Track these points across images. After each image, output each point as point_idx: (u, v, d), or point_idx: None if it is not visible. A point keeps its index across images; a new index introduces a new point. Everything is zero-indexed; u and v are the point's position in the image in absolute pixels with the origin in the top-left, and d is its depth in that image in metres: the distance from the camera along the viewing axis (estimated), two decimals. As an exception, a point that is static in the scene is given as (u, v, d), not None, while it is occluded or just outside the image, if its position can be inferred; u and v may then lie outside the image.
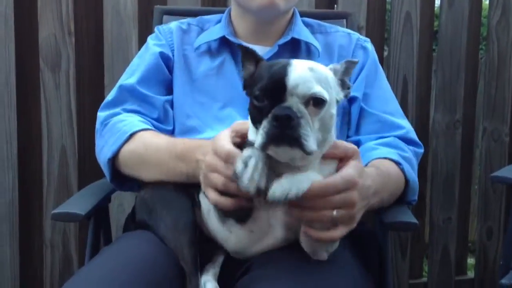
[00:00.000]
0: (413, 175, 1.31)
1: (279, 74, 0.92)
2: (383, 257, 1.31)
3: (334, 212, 0.96)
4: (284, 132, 0.89)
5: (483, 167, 2.38)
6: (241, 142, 1.03)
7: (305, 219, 0.97)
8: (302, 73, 0.92)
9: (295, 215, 0.98)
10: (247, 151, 0.94)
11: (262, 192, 0.92)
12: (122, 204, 1.99)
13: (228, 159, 0.97)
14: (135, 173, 1.28)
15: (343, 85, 1.02)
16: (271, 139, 0.90)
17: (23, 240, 2.00)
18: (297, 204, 0.94)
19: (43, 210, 2.00)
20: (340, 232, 0.98)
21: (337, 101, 0.99)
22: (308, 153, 0.90)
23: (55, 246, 2.02)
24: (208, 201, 1.07)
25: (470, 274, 2.46)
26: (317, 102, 0.92)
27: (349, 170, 0.99)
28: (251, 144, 0.95)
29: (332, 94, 0.97)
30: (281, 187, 0.91)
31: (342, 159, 1.01)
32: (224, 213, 1.06)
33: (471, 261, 2.55)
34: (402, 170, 1.27)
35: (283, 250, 1.07)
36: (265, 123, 0.90)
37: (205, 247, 1.13)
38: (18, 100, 1.94)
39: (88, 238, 1.36)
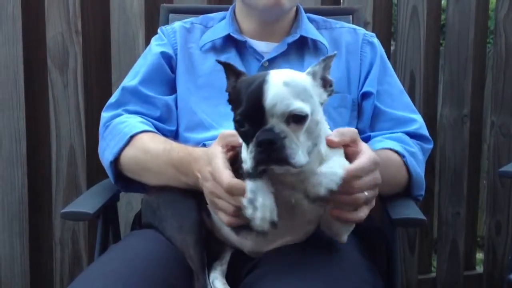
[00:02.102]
0: (417, 170, 1.30)
1: (256, 96, 0.91)
2: (391, 253, 1.32)
3: (366, 193, 0.98)
4: (270, 155, 0.90)
5: (491, 161, 2.37)
6: (234, 154, 1.03)
7: (341, 202, 0.98)
8: (278, 91, 0.90)
9: (332, 200, 0.97)
10: (250, 185, 0.94)
11: (275, 225, 0.93)
12: (131, 202, 2.00)
13: (229, 193, 0.97)
14: (137, 177, 1.29)
15: (325, 83, 1.01)
16: (259, 163, 0.90)
17: (33, 238, 2.01)
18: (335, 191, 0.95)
19: (52, 208, 2.01)
20: (366, 211, 1.01)
21: (321, 104, 0.99)
22: (298, 167, 0.91)
23: (65, 244, 2.03)
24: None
25: (479, 269, 2.46)
26: (297, 118, 0.91)
27: (369, 151, 1.01)
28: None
29: (315, 101, 0.96)
30: (321, 185, 0.92)
31: (346, 145, 1.01)
32: (237, 227, 1.07)
33: (479, 256, 2.55)
34: (405, 162, 1.27)
35: (291, 246, 1.08)
36: (251, 148, 0.91)
37: (212, 245, 1.14)
38: (26, 99, 1.95)
39: (97, 236, 1.36)
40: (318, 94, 0.98)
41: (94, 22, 2.01)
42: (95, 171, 2.01)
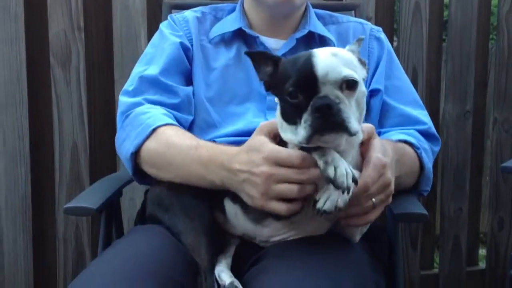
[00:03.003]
0: (429, 164, 1.31)
1: (307, 67, 0.93)
2: (393, 248, 1.32)
3: (373, 200, 1.01)
4: (328, 121, 0.91)
5: (494, 157, 2.36)
6: (276, 143, 1.03)
7: (351, 214, 1.01)
8: (328, 60, 0.94)
9: (341, 214, 1.00)
10: (317, 152, 0.95)
11: (356, 181, 0.95)
12: (134, 198, 2.00)
13: (302, 165, 0.97)
14: (154, 171, 1.24)
15: (361, 62, 1.04)
16: (316, 130, 0.91)
17: (37, 235, 2.02)
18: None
19: (56, 205, 2.02)
20: (378, 212, 1.03)
21: (363, 79, 1.01)
22: (353, 134, 0.93)
23: (68, 241, 2.04)
24: (234, 206, 1.10)
25: (482, 265, 2.45)
26: (350, 84, 0.94)
27: (375, 154, 1.02)
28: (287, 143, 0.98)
29: (359, 73, 0.99)
30: (330, 201, 0.95)
31: (363, 141, 1.03)
32: (261, 216, 1.08)
33: (482, 252, 2.54)
34: (420, 155, 1.28)
35: (296, 241, 1.08)
36: (306, 117, 0.92)
37: (218, 239, 1.14)
38: (29, 96, 1.96)
39: (100, 232, 1.37)
40: (360, 69, 1.01)
41: (97, 19, 2.01)
42: (98, 168, 2.02)
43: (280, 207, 1.00)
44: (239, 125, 1.32)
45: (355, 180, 0.94)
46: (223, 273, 1.10)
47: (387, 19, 2.20)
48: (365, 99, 1.00)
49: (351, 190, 0.94)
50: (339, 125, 0.91)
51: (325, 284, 0.97)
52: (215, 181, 1.10)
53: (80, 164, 2.01)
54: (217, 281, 1.09)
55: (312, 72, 0.93)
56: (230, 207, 1.13)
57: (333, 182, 0.92)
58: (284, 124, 0.99)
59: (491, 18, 2.35)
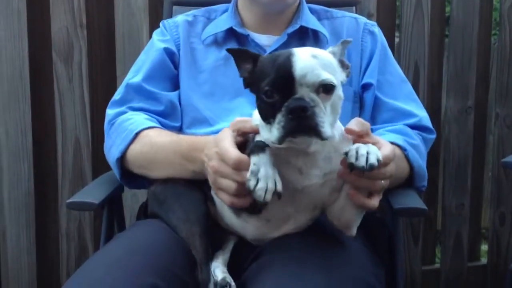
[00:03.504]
0: (419, 162, 1.31)
1: (285, 67, 0.93)
2: (394, 243, 1.32)
3: (383, 182, 1.01)
4: (301, 124, 0.91)
5: (496, 153, 2.36)
6: (243, 140, 1.04)
7: (361, 186, 1.00)
8: (307, 62, 0.93)
9: (352, 181, 1.00)
10: (253, 159, 0.95)
11: (279, 194, 0.95)
12: (136, 194, 2.01)
13: (237, 167, 0.97)
14: (143, 171, 1.29)
15: (342, 65, 1.03)
16: (288, 132, 0.91)
17: (39, 230, 2.03)
18: (361, 173, 0.97)
19: (58, 200, 2.03)
20: (378, 200, 1.03)
21: (342, 83, 1.01)
22: (324, 138, 0.92)
23: (71, 236, 2.05)
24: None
25: (483, 260, 2.46)
26: (327, 88, 0.93)
27: (386, 142, 1.04)
28: (259, 144, 0.97)
29: (338, 77, 0.98)
30: (371, 154, 0.94)
31: (361, 136, 1.02)
32: (238, 209, 1.08)
33: (484, 247, 2.55)
34: (407, 156, 1.28)
35: (294, 236, 1.09)
36: (279, 117, 0.92)
37: (216, 234, 1.15)
38: (32, 92, 1.97)
39: (103, 227, 1.38)
40: (339, 72, 1.01)
41: (99, 16, 2.02)
42: (100, 164, 2.01)
43: (224, 198, 1.02)
44: (232, 120, 1.33)
45: (278, 195, 0.94)
46: (218, 268, 1.10)
47: (389, 15, 2.20)
48: (341, 103, 0.99)
49: (362, 147, 0.94)
50: (311, 129, 0.91)
51: (323, 276, 0.97)
52: (196, 170, 1.15)
53: (82, 159, 2.02)
54: (212, 276, 1.09)
55: (290, 72, 0.92)
56: (218, 199, 1.13)
57: (252, 194, 0.94)
58: (261, 122, 0.99)
59: (494, 14, 2.35)
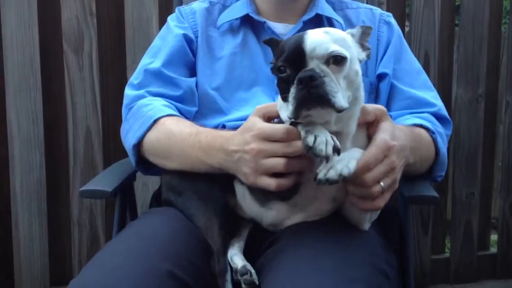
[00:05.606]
0: (443, 149, 1.31)
1: (297, 43, 0.96)
2: (404, 231, 1.33)
3: (382, 184, 1.00)
4: (311, 92, 0.92)
5: (506, 142, 2.36)
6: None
7: (357, 194, 1.01)
8: (317, 36, 0.96)
9: (350, 190, 1.01)
10: (301, 126, 0.96)
11: (338, 150, 0.95)
12: (147, 183, 2.02)
13: (288, 138, 0.98)
14: (158, 161, 1.27)
15: (363, 47, 1.05)
16: (300, 103, 0.92)
17: (51, 219, 2.05)
18: (350, 181, 0.98)
19: (70, 189, 2.04)
20: (385, 199, 1.02)
21: (360, 61, 1.02)
22: (338, 109, 0.93)
23: (82, 225, 2.07)
24: (242, 187, 1.11)
25: (493, 249, 2.46)
26: (337, 60, 0.95)
27: (381, 135, 1.02)
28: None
29: (352, 52, 0.99)
30: (333, 169, 0.94)
31: (372, 123, 1.03)
32: (266, 197, 1.08)
33: (493, 237, 2.54)
34: (435, 140, 1.27)
35: (308, 224, 1.09)
36: (292, 90, 0.94)
37: (230, 222, 1.15)
38: (43, 81, 1.98)
39: (115, 215, 1.39)
40: (356, 49, 1.02)
41: (108, 5, 2.03)
42: (111, 152, 2.04)
43: (269, 182, 1.01)
44: (247, 110, 1.32)
45: (337, 150, 0.94)
46: (236, 256, 1.11)
47: (399, 4, 2.19)
48: (359, 80, 1.00)
49: (333, 159, 0.95)
50: (322, 98, 0.92)
51: (336, 261, 0.98)
52: (214, 165, 1.12)
53: (93, 148, 2.03)
54: (229, 264, 1.10)
55: (301, 47, 0.95)
56: (239, 189, 1.14)
57: (312, 150, 0.93)
58: (281, 102, 1.01)
59: (504, 2, 2.33)
